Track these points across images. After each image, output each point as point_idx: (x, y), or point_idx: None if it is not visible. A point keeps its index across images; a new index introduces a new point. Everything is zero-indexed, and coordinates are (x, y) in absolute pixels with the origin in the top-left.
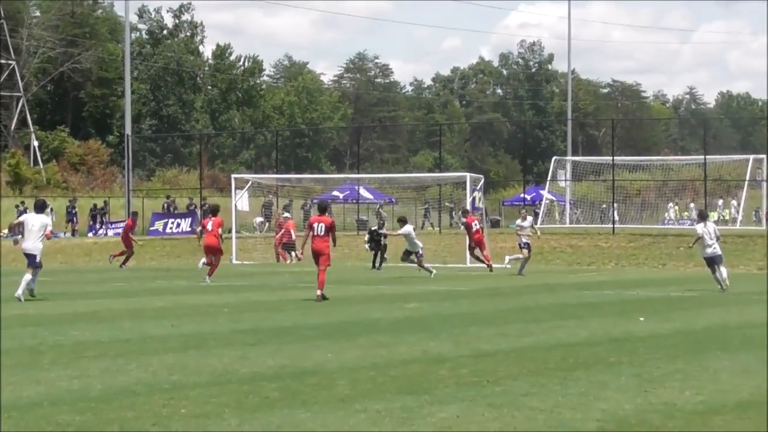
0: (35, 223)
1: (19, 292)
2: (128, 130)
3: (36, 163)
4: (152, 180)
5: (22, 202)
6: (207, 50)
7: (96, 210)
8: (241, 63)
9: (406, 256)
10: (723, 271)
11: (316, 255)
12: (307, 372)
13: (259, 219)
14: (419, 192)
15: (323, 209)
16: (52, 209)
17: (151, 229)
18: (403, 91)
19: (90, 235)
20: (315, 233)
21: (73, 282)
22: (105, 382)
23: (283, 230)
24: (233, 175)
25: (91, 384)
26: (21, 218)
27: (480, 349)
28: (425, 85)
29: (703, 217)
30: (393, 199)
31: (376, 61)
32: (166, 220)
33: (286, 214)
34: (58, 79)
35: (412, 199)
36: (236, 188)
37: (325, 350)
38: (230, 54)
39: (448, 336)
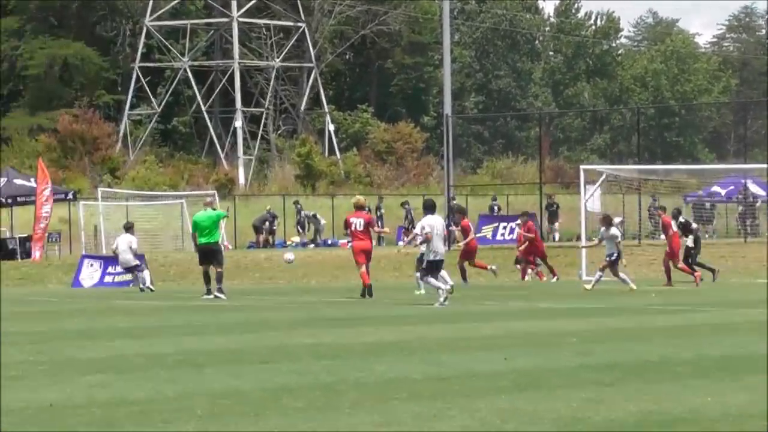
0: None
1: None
2: (447, 110)
3: (332, 152)
4: (478, 173)
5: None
6: (548, 6)
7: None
8: (591, 22)
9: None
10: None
11: None
12: (679, 419)
13: (619, 219)
14: None
15: None
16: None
17: (477, 235)
18: None
19: (400, 243)
20: None
21: (375, 303)
22: (421, 429)
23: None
24: (582, 167)
25: None
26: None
27: None
28: None
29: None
30: None
31: None
32: (496, 224)
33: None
34: (358, 45)
35: None
36: (586, 183)
37: (703, 392)
38: (577, 11)
39: None
